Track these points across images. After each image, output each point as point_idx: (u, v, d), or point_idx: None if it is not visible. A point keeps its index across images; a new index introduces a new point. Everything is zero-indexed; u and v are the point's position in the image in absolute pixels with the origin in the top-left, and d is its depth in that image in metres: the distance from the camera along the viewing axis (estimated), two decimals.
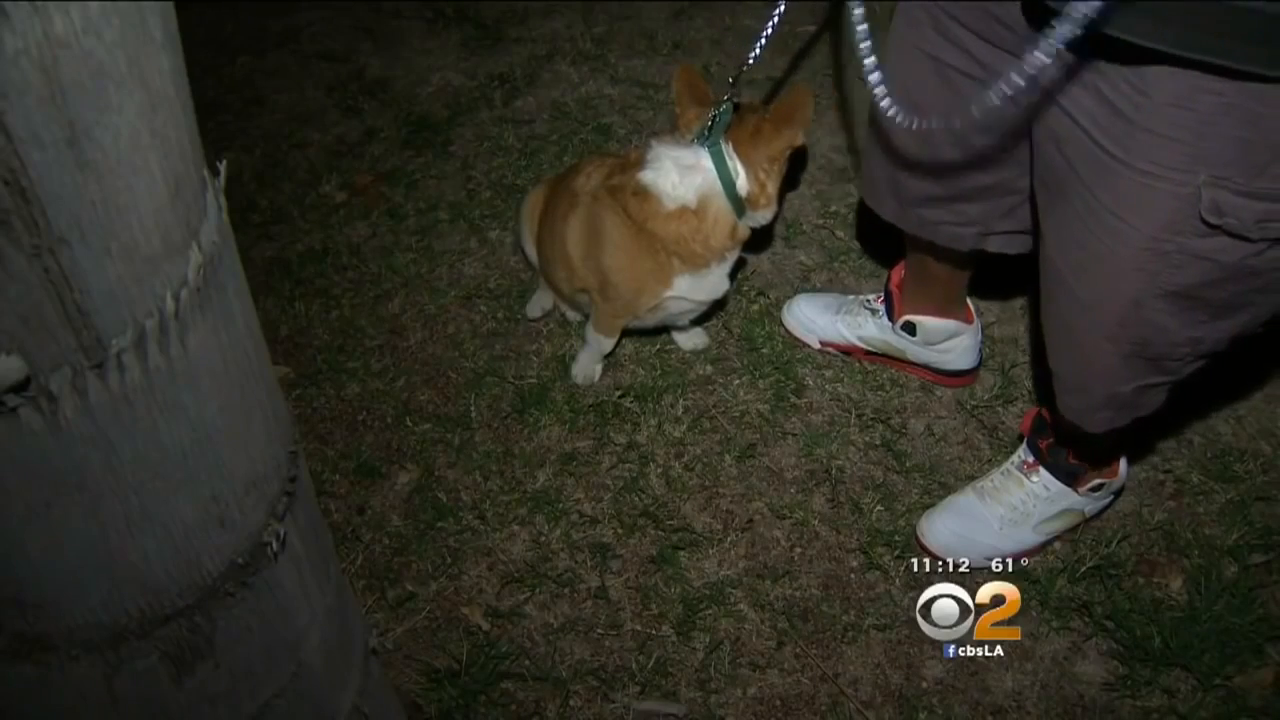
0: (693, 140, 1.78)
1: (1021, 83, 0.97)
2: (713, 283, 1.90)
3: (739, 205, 1.78)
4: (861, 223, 2.38)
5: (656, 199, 1.77)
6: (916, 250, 1.86)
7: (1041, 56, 0.93)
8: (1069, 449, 1.66)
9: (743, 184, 1.76)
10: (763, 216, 1.83)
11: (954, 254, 1.80)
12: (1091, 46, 1.11)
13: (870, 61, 1.18)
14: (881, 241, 2.32)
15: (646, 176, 1.78)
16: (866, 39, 1.19)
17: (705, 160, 1.75)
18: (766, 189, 1.78)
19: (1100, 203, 1.21)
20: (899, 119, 1.16)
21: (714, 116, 1.76)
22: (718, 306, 2.09)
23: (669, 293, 1.87)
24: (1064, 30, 0.91)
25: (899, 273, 1.97)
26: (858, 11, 1.19)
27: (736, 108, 1.80)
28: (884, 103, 1.17)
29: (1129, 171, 1.15)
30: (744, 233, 1.84)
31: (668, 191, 1.77)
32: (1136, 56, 1.06)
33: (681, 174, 1.76)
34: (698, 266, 1.84)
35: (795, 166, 2.32)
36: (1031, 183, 1.42)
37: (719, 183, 1.75)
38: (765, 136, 1.75)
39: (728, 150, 1.75)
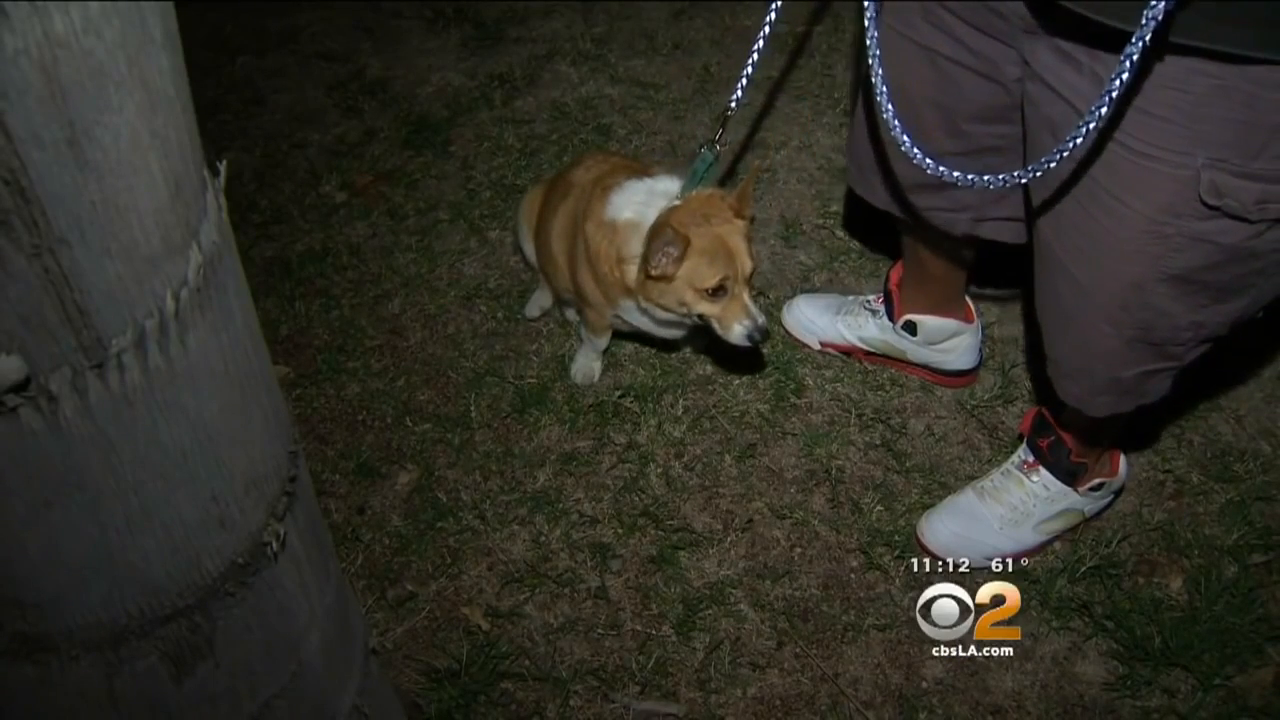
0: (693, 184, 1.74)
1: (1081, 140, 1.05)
2: (640, 318, 1.85)
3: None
4: (862, 222, 2.38)
5: (605, 205, 1.76)
6: (913, 248, 1.86)
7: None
8: (1070, 445, 1.66)
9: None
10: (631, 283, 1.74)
11: (950, 250, 1.80)
12: (1087, 34, 1.12)
13: (883, 90, 1.20)
14: (881, 241, 2.32)
15: (627, 183, 1.76)
16: (876, 51, 1.21)
17: (667, 204, 1.71)
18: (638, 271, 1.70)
19: (1100, 186, 1.21)
20: (913, 152, 1.19)
21: (697, 165, 1.71)
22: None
23: (612, 311, 1.86)
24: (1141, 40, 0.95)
25: (898, 272, 1.97)
26: (872, 32, 1.21)
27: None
28: (895, 130, 1.20)
29: (1128, 153, 1.16)
30: (632, 278, 1.74)
31: (614, 201, 1.75)
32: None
33: (643, 196, 1.73)
34: (611, 287, 1.80)
35: None
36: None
37: (646, 222, 1.70)
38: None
39: None
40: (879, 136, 1.60)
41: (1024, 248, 1.67)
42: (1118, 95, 1.01)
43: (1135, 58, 0.97)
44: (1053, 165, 1.09)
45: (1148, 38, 0.96)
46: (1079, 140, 1.05)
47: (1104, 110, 1.02)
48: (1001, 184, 1.15)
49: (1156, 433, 1.92)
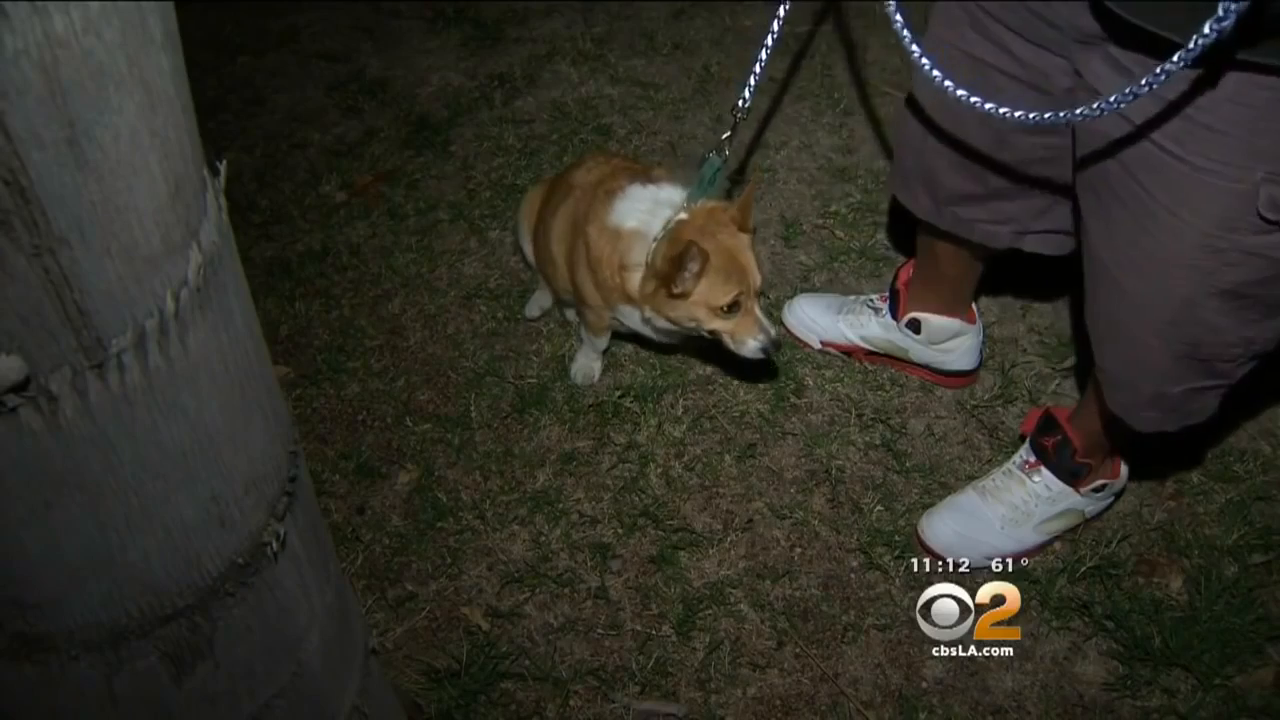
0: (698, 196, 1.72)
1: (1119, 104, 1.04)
2: (639, 323, 1.84)
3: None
4: (862, 222, 2.38)
5: (609, 210, 1.74)
6: (930, 248, 1.85)
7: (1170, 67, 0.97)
8: (1077, 446, 1.65)
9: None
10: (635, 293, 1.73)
11: (972, 254, 1.79)
12: (1142, 43, 1.11)
13: (900, 21, 1.19)
14: (882, 241, 2.33)
15: (631, 188, 1.75)
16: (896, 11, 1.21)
17: (672, 213, 1.70)
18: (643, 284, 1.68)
19: (1155, 200, 1.20)
20: (940, 78, 1.17)
21: (705, 170, 1.69)
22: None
23: (611, 313, 1.86)
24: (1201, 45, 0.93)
25: (907, 271, 1.96)
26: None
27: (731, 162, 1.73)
28: (921, 60, 1.18)
29: (1185, 167, 1.15)
30: (633, 286, 1.74)
31: (618, 207, 1.74)
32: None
33: (648, 205, 1.72)
34: (610, 292, 1.79)
35: None
36: (1073, 182, 1.41)
37: (654, 233, 1.69)
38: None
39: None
40: (925, 146, 1.59)
41: (1034, 256, 1.67)
42: (1162, 82, 0.98)
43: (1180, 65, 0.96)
44: (1104, 112, 1.07)
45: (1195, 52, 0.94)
46: (1125, 102, 1.03)
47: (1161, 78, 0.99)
48: (1038, 121, 1.13)
49: (1156, 433, 1.92)
